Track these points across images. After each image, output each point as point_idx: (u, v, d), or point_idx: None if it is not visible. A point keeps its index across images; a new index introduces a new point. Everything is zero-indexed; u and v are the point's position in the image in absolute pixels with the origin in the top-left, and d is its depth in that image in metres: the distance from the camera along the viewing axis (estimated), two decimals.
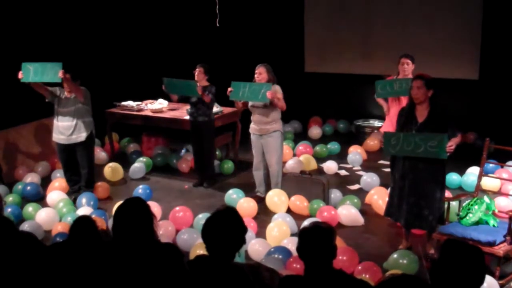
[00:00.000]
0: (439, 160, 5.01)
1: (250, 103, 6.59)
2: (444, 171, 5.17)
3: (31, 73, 6.36)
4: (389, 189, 6.67)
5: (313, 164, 7.93)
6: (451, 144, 4.82)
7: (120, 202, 3.32)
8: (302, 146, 8.66)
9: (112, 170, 7.71)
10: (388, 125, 6.66)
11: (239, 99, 6.54)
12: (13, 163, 7.82)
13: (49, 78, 6.35)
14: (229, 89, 6.49)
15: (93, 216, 5.03)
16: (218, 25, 7.77)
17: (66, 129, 6.65)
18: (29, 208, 6.37)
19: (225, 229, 2.96)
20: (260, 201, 6.62)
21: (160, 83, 7.27)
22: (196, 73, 7.12)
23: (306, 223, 5.27)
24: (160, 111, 8.25)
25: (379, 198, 6.35)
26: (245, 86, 6.41)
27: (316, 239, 2.89)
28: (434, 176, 5.03)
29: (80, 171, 6.89)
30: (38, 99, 6.83)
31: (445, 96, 5.32)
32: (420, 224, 5.15)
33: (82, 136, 6.70)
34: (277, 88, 6.46)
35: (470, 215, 4.85)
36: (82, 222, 3.49)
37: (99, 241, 3.43)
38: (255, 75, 6.49)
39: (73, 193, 6.83)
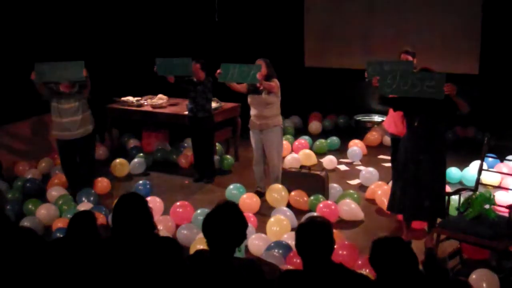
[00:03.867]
0: (440, 153, 5.01)
1: (249, 99, 6.57)
2: (445, 163, 5.17)
3: (47, 73, 6.26)
4: (390, 183, 6.69)
5: (313, 159, 7.93)
6: (449, 84, 4.67)
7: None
8: (298, 141, 8.66)
9: (118, 165, 7.72)
10: (390, 120, 6.63)
11: (228, 80, 6.39)
12: (13, 159, 7.82)
13: (72, 76, 6.30)
14: (218, 71, 6.37)
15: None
16: (217, 19, 7.76)
17: (72, 124, 6.59)
18: (29, 204, 6.38)
19: (226, 224, 2.96)
20: (261, 196, 6.62)
21: (159, 79, 7.25)
22: (193, 69, 7.05)
23: (304, 218, 5.27)
24: (160, 106, 8.24)
25: (382, 193, 6.33)
26: (235, 67, 6.29)
27: (313, 234, 2.89)
28: (434, 168, 5.04)
29: (81, 166, 6.86)
30: (37, 95, 6.82)
31: None
32: (420, 215, 5.15)
33: (89, 129, 6.74)
34: (275, 82, 6.44)
35: (470, 209, 4.85)
36: (81, 217, 3.50)
37: (97, 235, 3.44)
38: None
39: (73, 189, 6.82)
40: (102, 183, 7.14)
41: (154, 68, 7.08)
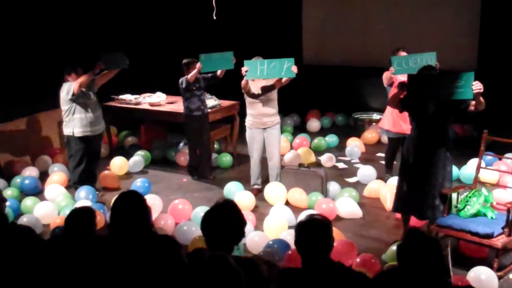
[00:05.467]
0: (449, 150, 5.00)
1: (248, 100, 6.52)
2: (452, 161, 5.14)
3: (108, 61, 6.57)
4: (388, 181, 6.69)
5: (311, 157, 7.93)
6: (477, 82, 4.68)
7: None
8: (299, 139, 8.66)
9: (117, 164, 7.68)
10: (395, 119, 6.62)
11: (258, 77, 6.26)
12: (11, 157, 7.81)
13: (119, 65, 6.69)
14: (245, 68, 6.18)
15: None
16: (215, 18, 7.74)
17: (99, 118, 6.78)
18: (28, 202, 6.37)
19: (224, 222, 2.96)
20: (259, 193, 6.63)
21: (157, 77, 7.23)
22: (197, 68, 6.84)
23: (302, 215, 5.27)
24: (158, 104, 8.22)
25: (386, 192, 6.31)
26: (263, 63, 6.16)
27: (312, 232, 2.90)
28: (445, 166, 5.03)
29: (95, 162, 7.00)
30: (35, 93, 6.80)
31: None
32: (432, 214, 5.09)
33: (103, 124, 6.99)
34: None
35: (468, 207, 4.86)
36: (79, 214, 3.50)
37: (94, 233, 3.44)
38: None
39: (80, 185, 6.75)
40: (111, 178, 7.22)
41: (198, 65, 6.79)
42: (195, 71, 6.83)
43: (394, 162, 7.05)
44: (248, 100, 6.56)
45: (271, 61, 6.18)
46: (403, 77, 6.55)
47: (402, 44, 6.90)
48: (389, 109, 6.73)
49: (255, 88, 6.47)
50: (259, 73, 6.19)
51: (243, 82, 6.36)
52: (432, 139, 5.01)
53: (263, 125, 6.56)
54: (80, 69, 6.52)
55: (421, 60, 5.91)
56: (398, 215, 5.64)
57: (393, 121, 6.60)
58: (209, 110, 7.43)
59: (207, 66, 6.84)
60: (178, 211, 6.04)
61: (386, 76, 6.59)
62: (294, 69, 6.13)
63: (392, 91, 6.63)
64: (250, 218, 5.66)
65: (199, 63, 6.74)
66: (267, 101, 6.47)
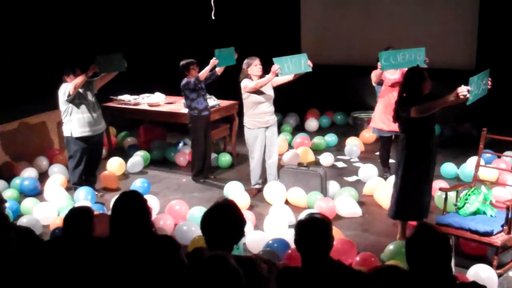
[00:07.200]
0: None
1: (251, 100, 6.46)
2: None
3: (103, 64, 6.47)
4: (387, 180, 6.68)
5: (310, 156, 7.94)
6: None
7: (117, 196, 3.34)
8: (300, 138, 8.66)
9: (116, 164, 7.67)
10: (388, 118, 6.62)
11: (285, 74, 6.25)
12: (10, 158, 7.81)
13: (116, 68, 6.57)
14: (277, 66, 6.10)
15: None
16: (213, 18, 7.75)
17: (98, 119, 6.74)
18: (27, 203, 6.37)
19: (224, 221, 2.97)
20: (259, 192, 6.63)
21: (156, 78, 7.24)
22: (211, 64, 6.85)
23: (302, 215, 5.27)
24: (157, 104, 8.22)
25: (382, 192, 6.32)
26: (286, 60, 6.18)
27: (312, 231, 2.90)
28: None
29: (96, 163, 6.98)
30: (34, 94, 6.81)
31: (442, 87, 5.33)
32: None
33: (104, 124, 6.95)
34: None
35: (468, 205, 4.86)
36: (76, 214, 3.50)
37: (93, 233, 3.44)
38: (258, 66, 6.39)
39: (80, 185, 6.76)
40: (110, 178, 7.20)
41: (213, 60, 6.80)
42: (207, 67, 6.82)
43: (391, 161, 7.10)
44: (250, 100, 6.46)
45: (292, 57, 6.22)
46: (391, 75, 6.59)
47: (402, 44, 6.91)
48: (380, 108, 6.75)
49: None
50: (287, 69, 6.22)
51: (262, 81, 6.27)
52: (434, 139, 5.06)
53: (265, 124, 6.56)
54: (79, 71, 6.51)
55: (410, 55, 5.84)
56: None
57: (386, 120, 6.60)
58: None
59: (222, 62, 6.88)
60: (175, 212, 6.04)
61: (375, 74, 6.64)
62: (310, 63, 6.17)
63: (384, 90, 6.67)
64: (249, 218, 5.66)
65: (214, 58, 6.74)
66: (269, 100, 6.50)
